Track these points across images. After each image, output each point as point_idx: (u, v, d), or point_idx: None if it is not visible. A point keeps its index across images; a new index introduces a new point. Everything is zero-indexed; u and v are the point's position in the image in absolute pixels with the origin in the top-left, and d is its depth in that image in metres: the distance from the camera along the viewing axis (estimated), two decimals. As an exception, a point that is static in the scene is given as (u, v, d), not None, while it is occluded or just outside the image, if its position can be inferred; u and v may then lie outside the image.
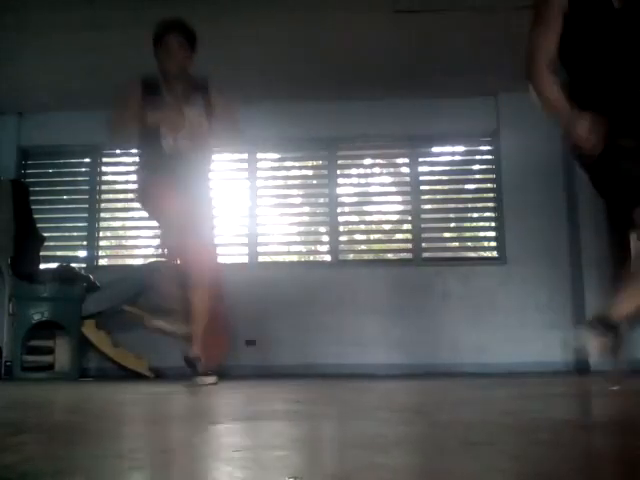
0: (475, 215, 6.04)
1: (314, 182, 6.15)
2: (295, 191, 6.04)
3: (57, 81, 5.26)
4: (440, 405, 2.08)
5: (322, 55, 4.91)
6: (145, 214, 5.91)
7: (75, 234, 6.05)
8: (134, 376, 4.97)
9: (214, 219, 4.10)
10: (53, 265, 5.30)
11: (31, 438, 1.25)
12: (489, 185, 5.80)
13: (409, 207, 5.79)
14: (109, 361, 5.16)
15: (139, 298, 5.32)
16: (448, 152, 5.97)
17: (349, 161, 6.05)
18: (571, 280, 5.27)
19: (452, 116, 5.59)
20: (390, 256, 5.89)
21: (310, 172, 6.28)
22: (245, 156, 5.94)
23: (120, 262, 6.11)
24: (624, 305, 2.17)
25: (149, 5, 4.14)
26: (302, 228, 6.15)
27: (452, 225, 6.02)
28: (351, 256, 5.88)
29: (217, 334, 5.10)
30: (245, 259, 5.78)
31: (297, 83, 5.33)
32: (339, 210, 5.84)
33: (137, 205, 6.00)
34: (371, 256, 5.90)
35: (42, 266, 5.21)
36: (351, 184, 6.05)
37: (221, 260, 5.46)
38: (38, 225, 5.31)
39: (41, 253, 5.25)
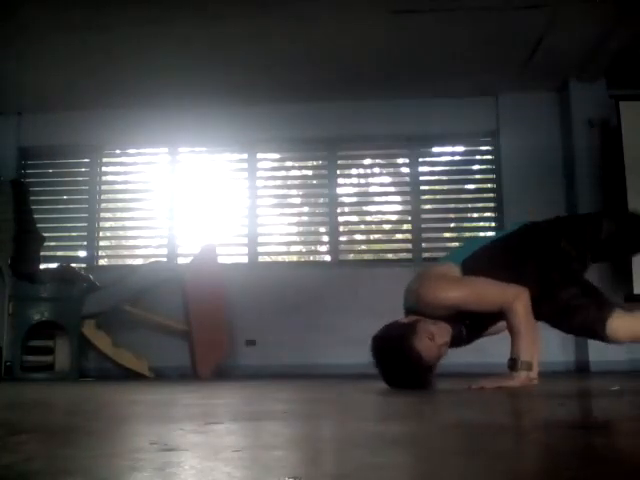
0: (475, 215, 6.05)
1: (314, 182, 6.15)
2: (295, 191, 6.04)
3: (57, 81, 5.27)
4: (439, 405, 2.08)
5: (322, 55, 4.91)
6: (145, 214, 5.98)
7: (75, 234, 6.06)
8: (134, 376, 4.97)
9: None
10: (53, 265, 5.31)
11: (31, 438, 1.25)
12: (489, 185, 5.80)
13: (409, 207, 5.79)
14: (109, 361, 5.16)
15: (139, 298, 5.34)
16: (448, 152, 5.97)
17: (349, 161, 6.05)
18: (571, 280, 5.26)
19: (452, 116, 5.59)
20: (390, 256, 5.90)
21: (310, 172, 6.29)
22: (245, 156, 5.95)
23: (120, 262, 6.11)
24: None
25: (149, 6, 4.15)
26: (302, 228, 6.15)
27: (452, 225, 6.02)
28: (351, 256, 5.89)
29: (217, 334, 5.11)
30: (245, 259, 5.79)
31: (297, 83, 5.33)
32: (339, 210, 5.84)
33: (137, 205, 6.04)
34: (371, 256, 5.90)
35: (42, 266, 5.20)
36: (351, 184, 6.05)
37: (221, 260, 5.49)
38: (38, 225, 5.31)
39: (41, 253, 5.24)
